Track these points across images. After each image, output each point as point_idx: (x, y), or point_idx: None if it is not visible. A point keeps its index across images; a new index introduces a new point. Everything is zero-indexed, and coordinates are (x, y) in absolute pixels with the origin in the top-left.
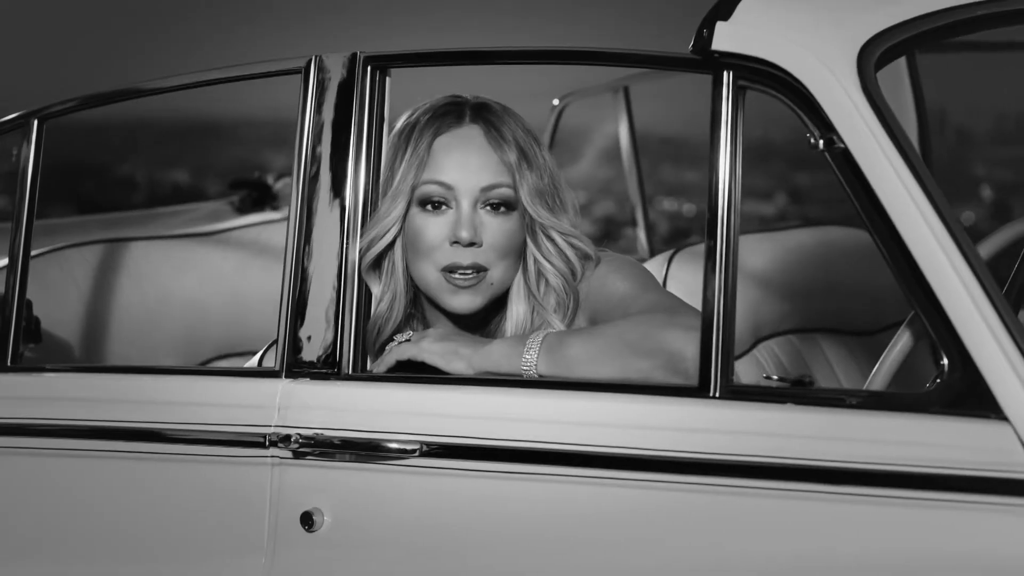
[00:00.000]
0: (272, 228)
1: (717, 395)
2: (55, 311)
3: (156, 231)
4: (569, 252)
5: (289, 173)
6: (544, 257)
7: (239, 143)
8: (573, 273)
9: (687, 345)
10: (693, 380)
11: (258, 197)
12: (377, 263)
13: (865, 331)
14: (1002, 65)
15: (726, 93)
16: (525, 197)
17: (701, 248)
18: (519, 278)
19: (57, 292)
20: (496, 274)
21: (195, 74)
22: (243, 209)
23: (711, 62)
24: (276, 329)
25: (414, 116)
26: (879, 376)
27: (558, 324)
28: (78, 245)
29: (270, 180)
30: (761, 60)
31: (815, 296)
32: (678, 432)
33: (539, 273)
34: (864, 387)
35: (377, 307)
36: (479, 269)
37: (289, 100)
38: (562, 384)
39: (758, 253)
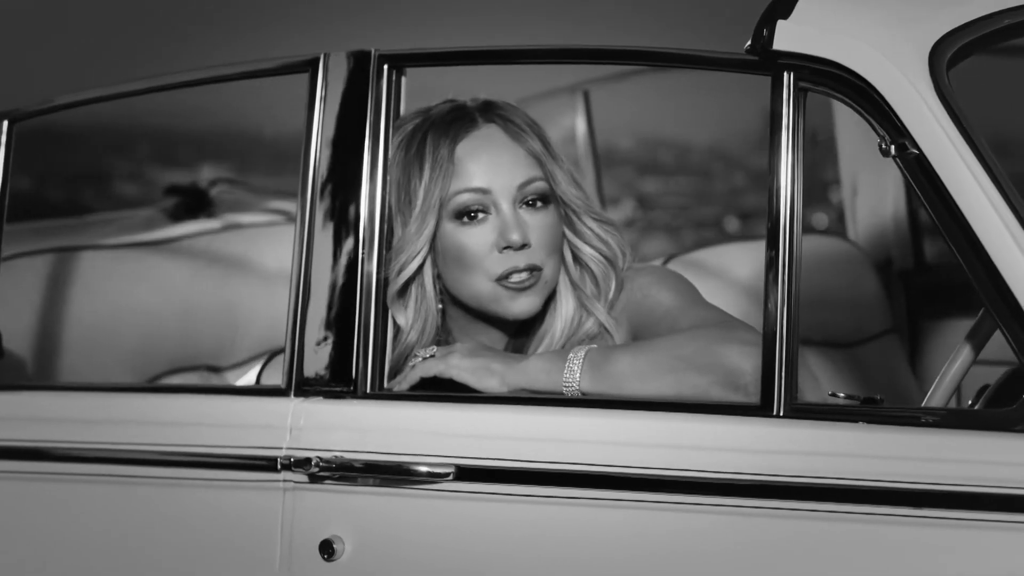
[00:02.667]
0: (225, 236)
1: (781, 413)
2: (5, 323)
3: (91, 239)
4: (608, 236)
5: (222, 179)
6: (585, 242)
7: (80, 151)
8: (615, 256)
9: (746, 360)
10: (754, 398)
11: (193, 204)
12: (403, 290)
13: (848, 343)
14: None
15: (787, 95)
16: (560, 184)
17: (694, 256)
18: (562, 271)
19: (6, 303)
20: (549, 272)
21: (194, 72)
22: (177, 216)
23: (770, 63)
24: (242, 342)
25: (416, 129)
26: (939, 393)
27: (603, 312)
28: (28, 254)
29: (204, 186)
30: (826, 61)
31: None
32: (739, 453)
33: (578, 261)
34: (923, 404)
35: (406, 338)
36: (534, 269)
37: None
38: (609, 402)
39: (742, 262)
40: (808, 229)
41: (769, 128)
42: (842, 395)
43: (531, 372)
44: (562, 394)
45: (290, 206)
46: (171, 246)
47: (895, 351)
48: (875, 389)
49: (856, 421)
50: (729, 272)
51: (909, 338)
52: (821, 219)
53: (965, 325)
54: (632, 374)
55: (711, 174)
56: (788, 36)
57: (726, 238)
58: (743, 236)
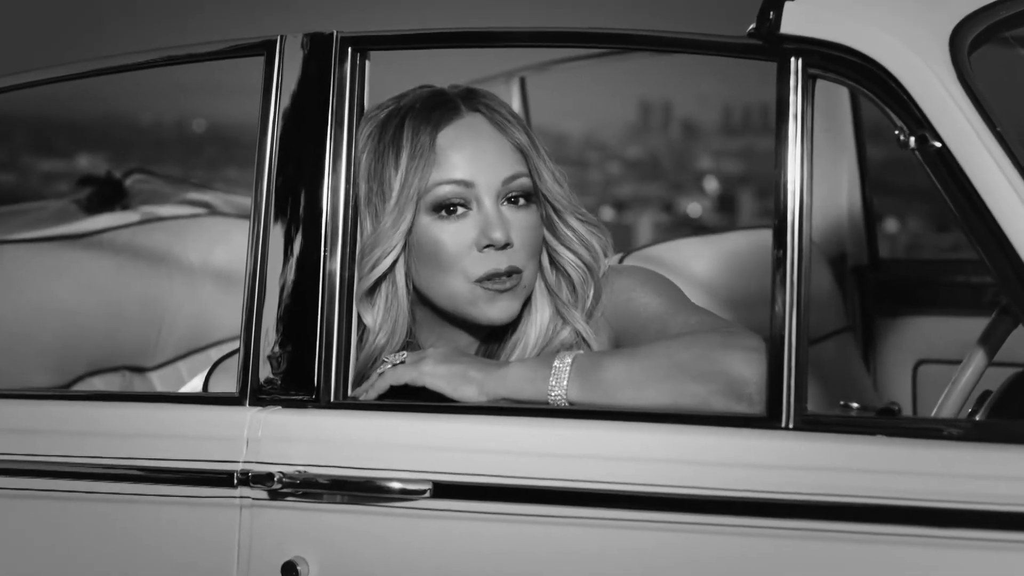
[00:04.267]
0: (147, 230)
1: (791, 425)
2: None
3: (2, 233)
4: (591, 239)
5: (137, 169)
6: (565, 245)
7: None
8: (596, 260)
9: (750, 368)
10: (759, 408)
11: (107, 195)
12: (373, 289)
13: None
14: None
15: (794, 83)
16: (545, 181)
17: (650, 252)
18: (538, 277)
19: None
20: (528, 276)
21: (139, 55)
22: (91, 208)
23: (776, 48)
24: (167, 343)
25: (391, 115)
26: (951, 400)
27: (580, 320)
28: None
29: (119, 176)
30: (838, 45)
31: (752, 304)
32: (744, 468)
33: (555, 265)
34: (933, 412)
35: (374, 340)
36: (515, 272)
37: None
38: (600, 412)
39: (697, 258)
40: (684, 220)
41: (776, 118)
42: (855, 405)
43: (513, 380)
44: (547, 404)
45: (210, 198)
46: (90, 240)
47: (850, 350)
48: (829, 389)
49: (873, 433)
50: (686, 268)
51: (864, 336)
52: (696, 208)
53: (921, 322)
54: (625, 382)
55: (586, 163)
56: (797, 18)
57: (681, 232)
58: (700, 230)
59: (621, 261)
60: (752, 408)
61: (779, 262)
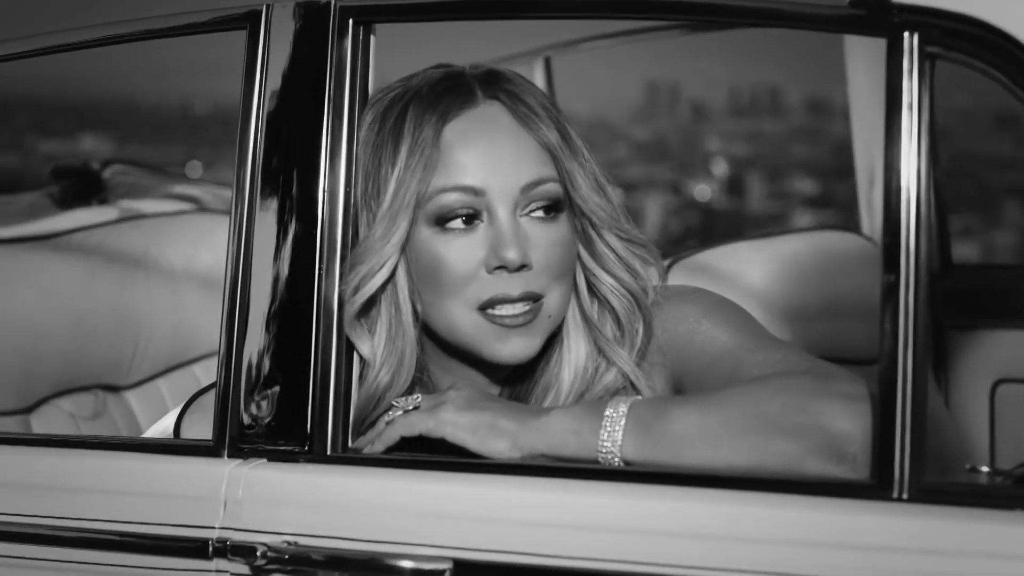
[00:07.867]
0: (123, 229)
1: (904, 496)
2: None
3: None
4: (634, 260)
5: (117, 160)
6: (604, 267)
7: None
8: (644, 290)
9: (854, 421)
10: (865, 473)
11: (82, 188)
12: (366, 311)
13: (864, 359)
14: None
15: (908, 64)
16: (579, 188)
17: (699, 259)
18: (573, 304)
19: None
20: (553, 302)
21: (108, 27)
22: (65, 202)
23: (886, 20)
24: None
25: (396, 100)
26: None
27: (628, 361)
28: None
29: (96, 167)
30: (964, 17)
31: (812, 317)
32: (845, 550)
33: (595, 293)
34: None
35: (376, 375)
36: (534, 298)
37: None
38: (663, 475)
39: (751, 264)
40: (690, 203)
41: (885, 108)
42: (985, 469)
43: (554, 432)
44: (597, 463)
45: (197, 192)
46: (60, 241)
47: None
48: None
49: (1010, 507)
50: (740, 277)
51: (935, 353)
52: (704, 191)
53: (1000, 336)
54: (696, 437)
55: (592, 145)
56: None
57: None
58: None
59: (669, 269)
60: (856, 473)
61: (891, 289)
